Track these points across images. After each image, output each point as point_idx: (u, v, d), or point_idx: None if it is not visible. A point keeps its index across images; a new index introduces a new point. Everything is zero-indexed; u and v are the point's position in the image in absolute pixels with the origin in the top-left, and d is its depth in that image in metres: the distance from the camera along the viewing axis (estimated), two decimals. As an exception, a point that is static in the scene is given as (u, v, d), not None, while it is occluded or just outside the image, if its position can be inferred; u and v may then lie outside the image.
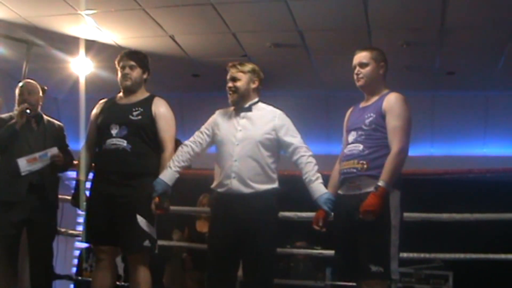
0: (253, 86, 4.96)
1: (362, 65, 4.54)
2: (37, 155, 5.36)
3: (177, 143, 6.32)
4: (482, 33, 8.08)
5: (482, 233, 7.28)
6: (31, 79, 5.81)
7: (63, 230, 6.33)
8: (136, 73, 5.02)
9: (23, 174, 5.25)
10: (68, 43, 8.85)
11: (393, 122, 4.32)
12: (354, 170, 4.37)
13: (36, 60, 7.86)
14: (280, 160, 4.99)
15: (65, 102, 10.48)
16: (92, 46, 8.88)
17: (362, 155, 4.36)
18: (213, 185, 4.84)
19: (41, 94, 5.66)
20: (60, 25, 8.49)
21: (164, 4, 7.78)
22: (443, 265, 7.99)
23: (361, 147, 4.39)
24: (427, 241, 5.38)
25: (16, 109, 5.52)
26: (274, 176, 4.84)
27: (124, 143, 4.73)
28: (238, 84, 4.90)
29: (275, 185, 4.82)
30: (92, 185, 4.95)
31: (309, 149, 4.85)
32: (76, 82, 9.35)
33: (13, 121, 5.38)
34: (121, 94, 5.10)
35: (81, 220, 12.17)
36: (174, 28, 8.56)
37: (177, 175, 4.75)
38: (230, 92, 4.92)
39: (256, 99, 4.98)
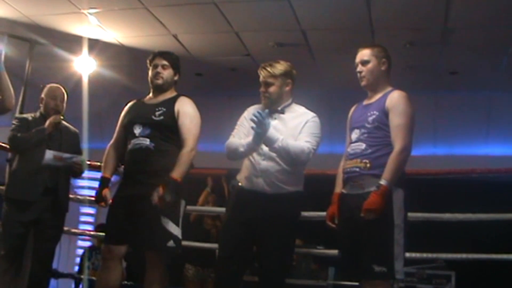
0: (287, 88, 4.88)
1: (363, 62, 4.52)
2: (64, 155, 5.40)
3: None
4: (485, 33, 8.08)
5: (485, 233, 7.28)
6: (56, 83, 5.89)
7: (66, 229, 6.34)
8: (168, 73, 5.00)
9: (43, 163, 5.28)
10: (71, 41, 8.86)
11: (396, 120, 4.29)
12: (357, 169, 4.34)
13: (39, 58, 7.86)
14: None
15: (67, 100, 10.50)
16: (95, 45, 8.89)
17: (365, 154, 4.33)
18: (238, 176, 4.79)
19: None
20: (63, 24, 8.50)
21: (167, 3, 7.79)
22: (445, 265, 7.98)
23: (363, 145, 4.36)
24: (430, 240, 5.39)
25: (41, 111, 5.67)
26: (301, 178, 4.77)
27: (147, 141, 4.69)
28: (271, 89, 4.81)
29: (300, 188, 4.74)
30: (118, 187, 4.92)
31: (311, 150, 4.67)
32: (79, 81, 9.36)
33: (43, 127, 5.42)
34: (150, 94, 5.03)
35: (84, 219, 12.25)
36: (177, 27, 8.57)
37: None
38: (263, 97, 4.85)
39: (290, 101, 4.90)
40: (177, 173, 4.57)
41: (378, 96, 4.48)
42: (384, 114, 4.35)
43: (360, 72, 4.52)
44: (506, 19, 7.56)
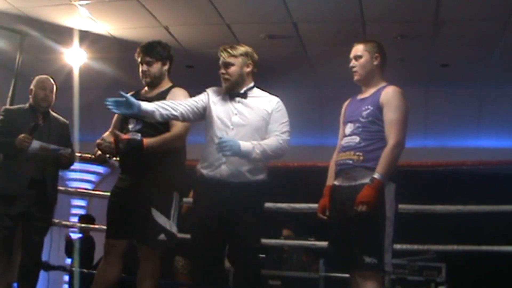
0: (247, 70, 4.71)
1: (356, 57, 4.54)
2: (51, 146, 5.38)
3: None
4: (477, 26, 8.10)
5: (476, 224, 7.29)
6: (47, 75, 5.87)
7: (57, 221, 6.34)
8: (154, 68, 4.95)
9: (28, 152, 5.25)
10: (62, 33, 8.84)
11: (390, 115, 4.33)
12: (350, 162, 4.36)
13: (29, 50, 7.84)
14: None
15: (58, 92, 10.48)
16: (86, 36, 8.86)
17: (358, 147, 4.36)
18: (199, 166, 4.64)
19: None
20: (54, 16, 8.47)
21: (159, -6, 7.79)
22: (436, 257, 8.00)
23: (357, 139, 4.39)
24: (420, 232, 5.41)
25: (30, 102, 5.69)
26: (265, 167, 4.66)
27: (138, 136, 4.61)
28: (231, 70, 4.65)
29: (265, 176, 4.65)
30: (116, 180, 4.90)
31: (286, 142, 4.62)
32: (70, 73, 9.33)
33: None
34: (145, 87, 5.00)
35: (75, 211, 12.24)
36: (168, 19, 8.55)
37: (153, 110, 4.35)
38: (223, 80, 4.70)
39: (251, 84, 4.76)
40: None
41: (372, 90, 4.50)
42: (379, 109, 4.38)
43: (353, 67, 4.55)
44: (497, 12, 7.58)
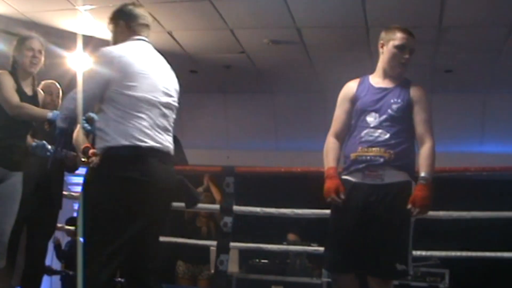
0: (119, 30, 4.15)
1: (412, 51, 4.36)
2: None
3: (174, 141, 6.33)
4: (480, 32, 8.08)
5: (479, 231, 7.29)
6: (51, 79, 5.85)
7: (59, 225, 6.34)
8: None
9: (31, 150, 5.19)
10: (65, 38, 8.84)
11: (424, 115, 4.24)
12: (381, 160, 4.15)
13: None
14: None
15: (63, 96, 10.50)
16: (89, 41, 8.86)
17: (389, 144, 4.17)
18: None
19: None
20: (58, 21, 8.48)
21: (162, 0, 7.77)
22: (439, 263, 8.00)
23: (387, 135, 4.18)
24: (424, 238, 5.39)
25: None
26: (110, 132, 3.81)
27: None
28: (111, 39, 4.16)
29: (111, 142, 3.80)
30: None
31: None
32: (73, 77, 9.33)
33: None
34: None
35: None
36: (172, 24, 8.55)
37: None
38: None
39: None
40: None
41: (394, 82, 4.35)
42: (409, 105, 4.25)
43: (407, 60, 4.35)
44: (501, 18, 7.57)
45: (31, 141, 5.18)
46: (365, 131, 4.24)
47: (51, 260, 6.09)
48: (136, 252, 3.79)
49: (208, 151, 10.62)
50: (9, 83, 4.89)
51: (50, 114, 4.78)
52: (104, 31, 4.17)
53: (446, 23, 7.86)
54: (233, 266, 6.82)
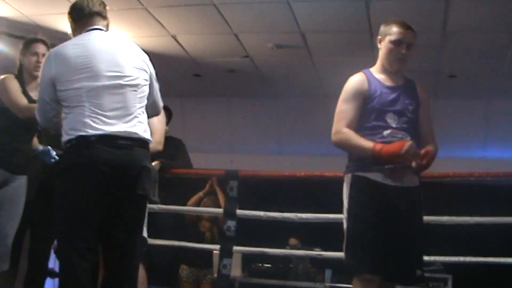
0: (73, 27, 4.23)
1: (410, 45, 4.22)
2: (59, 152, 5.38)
3: (177, 142, 6.34)
4: (485, 37, 8.07)
5: (482, 236, 7.27)
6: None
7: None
8: None
9: (36, 155, 5.18)
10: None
11: (429, 118, 4.22)
12: (407, 163, 4.01)
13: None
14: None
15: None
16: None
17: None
18: None
19: None
20: (63, 24, 8.49)
21: (167, 3, 7.77)
22: (442, 268, 7.99)
23: (408, 137, 4.03)
24: (427, 243, 5.39)
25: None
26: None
27: None
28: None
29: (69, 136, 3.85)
30: None
31: None
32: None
33: None
34: None
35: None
36: (176, 28, 8.56)
37: None
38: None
39: None
40: None
41: (399, 79, 4.26)
42: (419, 106, 4.18)
43: (404, 56, 4.21)
44: (506, 23, 7.56)
45: (36, 144, 5.19)
46: (387, 132, 4.09)
47: (53, 262, 6.08)
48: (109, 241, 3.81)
49: (212, 155, 10.61)
50: (15, 87, 4.90)
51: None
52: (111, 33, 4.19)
53: (450, 28, 7.85)
54: (236, 270, 6.83)
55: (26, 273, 5.54)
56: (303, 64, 9.49)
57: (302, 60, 9.35)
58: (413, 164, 4.03)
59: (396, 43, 4.20)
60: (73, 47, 3.89)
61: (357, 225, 4.05)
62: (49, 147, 5.06)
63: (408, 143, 3.92)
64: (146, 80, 3.97)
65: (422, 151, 4.01)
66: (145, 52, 4.32)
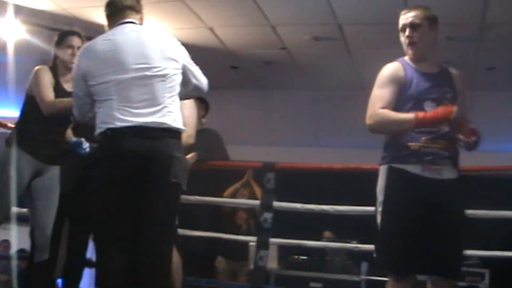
0: None
1: (414, 26, 4.07)
2: (93, 144, 5.42)
3: (214, 134, 6.34)
4: (524, 28, 8.01)
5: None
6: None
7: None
8: None
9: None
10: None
11: (464, 105, 4.04)
12: (447, 153, 3.91)
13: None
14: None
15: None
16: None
17: (450, 138, 3.92)
18: None
19: None
20: (99, 16, 8.54)
21: (204, -4, 7.82)
22: (479, 263, 7.93)
23: (447, 128, 3.88)
24: (464, 238, 5.36)
25: None
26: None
27: None
28: None
29: None
30: None
31: None
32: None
33: None
34: None
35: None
36: (213, 20, 8.58)
37: None
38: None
39: None
40: None
41: (434, 66, 4.14)
42: (455, 94, 4.04)
43: (410, 38, 4.08)
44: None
45: (70, 136, 5.23)
46: None
47: (91, 253, 6.14)
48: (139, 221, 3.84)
49: (248, 147, 10.63)
50: (46, 80, 4.95)
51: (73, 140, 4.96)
52: (146, 26, 4.23)
53: (489, 20, 7.79)
54: (272, 262, 6.83)
55: (65, 263, 5.61)
56: (340, 56, 9.47)
57: (339, 52, 9.34)
58: (461, 136, 3.93)
59: (401, 30, 4.16)
60: (102, 42, 3.99)
61: (392, 221, 3.95)
62: (82, 139, 5.09)
63: (455, 108, 3.82)
64: (176, 69, 4.01)
65: (472, 126, 3.94)
66: (182, 44, 4.34)
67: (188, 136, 4.89)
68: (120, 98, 3.79)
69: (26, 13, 8.13)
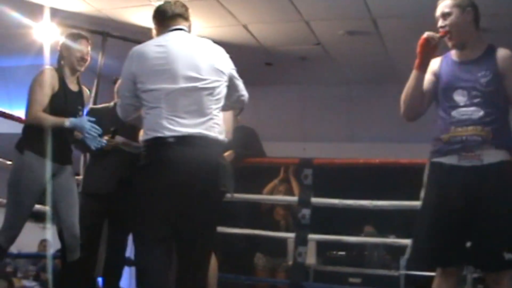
0: None
1: (445, 15, 4.07)
2: (133, 143, 5.43)
3: (250, 131, 6.34)
4: None
5: None
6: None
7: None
8: None
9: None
10: (142, 33, 8.96)
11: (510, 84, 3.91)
12: (479, 139, 3.81)
13: (110, 51, 7.96)
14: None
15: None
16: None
17: (484, 122, 3.82)
18: None
19: None
20: (134, 16, 8.60)
21: (238, -7, 7.83)
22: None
23: (481, 112, 3.83)
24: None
25: (115, 101, 5.57)
26: None
27: None
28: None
29: None
30: None
31: None
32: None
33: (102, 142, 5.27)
34: None
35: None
36: (247, 17, 8.58)
37: None
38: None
39: None
40: None
41: (475, 52, 4.03)
42: (498, 76, 3.91)
43: (443, 28, 4.07)
44: None
45: (79, 135, 5.28)
46: (455, 111, 3.93)
47: (130, 251, 6.19)
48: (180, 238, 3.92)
49: (284, 144, 10.62)
50: (46, 84, 4.96)
51: (67, 122, 4.90)
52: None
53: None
54: (311, 258, 6.83)
55: (105, 261, 5.68)
56: (375, 50, 9.41)
57: (374, 46, 9.28)
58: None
59: (436, 22, 4.19)
60: (154, 48, 4.01)
61: (428, 216, 3.95)
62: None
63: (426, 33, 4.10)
64: (223, 81, 4.07)
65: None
66: (216, 42, 4.35)
67: (225, 132, 4.92)
68: (168, 107, 3.85)
69: (62, 16, 8.17)
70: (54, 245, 10.08)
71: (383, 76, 10.42)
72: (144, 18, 8.54)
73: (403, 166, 5.77)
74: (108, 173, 5.48)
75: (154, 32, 4.29)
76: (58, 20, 7.83)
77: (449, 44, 4.07)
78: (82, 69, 5.17)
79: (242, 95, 4.30)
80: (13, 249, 7.19)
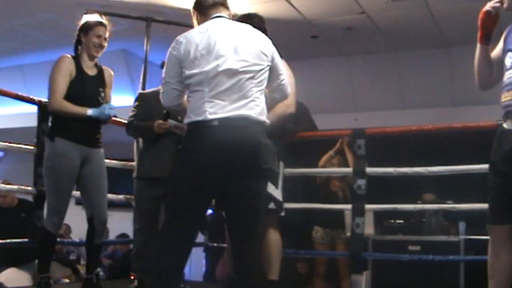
0: None
1: None
2: (185, 126, 5.49)
3: (300, 106, 6.32)
4: None
5: None
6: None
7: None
8: None
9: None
10: (186, 16, 8.98)
11: None
12: None
13: (155, 36, 8.00)
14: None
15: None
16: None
17: None
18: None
19: None
20: (177, 1, 8.64)
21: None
22: None
23: None
24: None
25: None
26: None
27: None
28: None
29: None
30: None
31: None
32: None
33: (152, 125, 5.55)
34: None
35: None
36: (289, -9, 8.57)
37: None
38: None
39: None
40: None
41: None
42: None
43: None
44: None
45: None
46: (505, 74, 3.82)
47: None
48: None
49: (336, 115, 10.60)
50: (64, 71, 5.07)
51: (89, 111, 5.02)
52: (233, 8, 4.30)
53: None
54: (368, 228, 6.81)
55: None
56: (421, 15, 9.30)
57: (420, 11, 9.17)
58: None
59: None
60: (197, 34, 4.07)
61: (490, 176, 3.93)
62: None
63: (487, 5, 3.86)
64: (265, 65, 4.09)
65: None
66: (260, 18, 4.34)
67: (288, 105, 4.93)
68: (210, 90, 3.90)
69: (102, 5, 8.23)
70: (115, 231, 10.28)
71: (430, 41, 10.31)
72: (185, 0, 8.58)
73: (457, 130, 5.70)
74: (162, 157, 5.53)
75: (195, 22, 4.36)
76: (99, 8, 7.92)
77: (505, 8, 3.90)
78: (99, 54, 5.25)
79: (284, 83, 4.31)
80: (75, 237, 7.27)
